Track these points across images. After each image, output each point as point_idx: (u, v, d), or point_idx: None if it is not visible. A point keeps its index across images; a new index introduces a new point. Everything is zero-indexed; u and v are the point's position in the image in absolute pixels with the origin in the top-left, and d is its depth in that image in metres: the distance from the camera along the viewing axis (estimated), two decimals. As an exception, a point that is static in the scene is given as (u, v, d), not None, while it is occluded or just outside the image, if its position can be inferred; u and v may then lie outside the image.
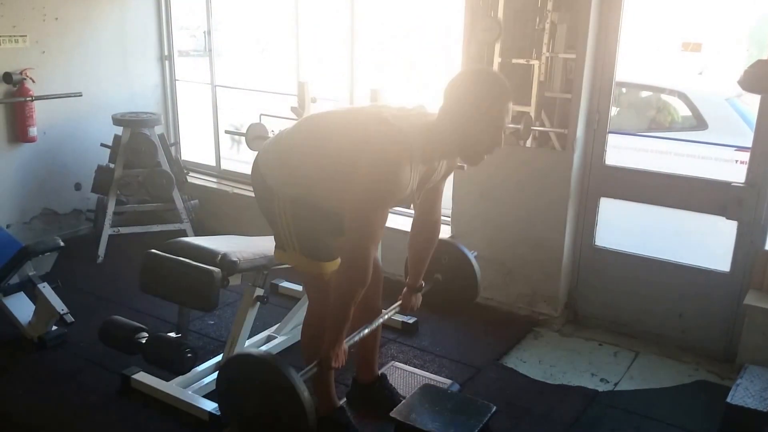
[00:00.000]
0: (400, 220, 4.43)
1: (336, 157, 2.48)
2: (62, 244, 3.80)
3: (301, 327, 3.73)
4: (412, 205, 2.77)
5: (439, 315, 3.44)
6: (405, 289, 3.02)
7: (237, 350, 3.37)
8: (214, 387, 3.27)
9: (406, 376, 3.35)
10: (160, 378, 3.30)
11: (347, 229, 2.45)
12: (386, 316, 2.94)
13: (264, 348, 3.62)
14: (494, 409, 2.80)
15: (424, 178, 2.53)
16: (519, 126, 3.94)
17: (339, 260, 2.61)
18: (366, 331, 2.78)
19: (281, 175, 2.65)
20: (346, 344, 2.57)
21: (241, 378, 2.41)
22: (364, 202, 2.37)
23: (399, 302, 3.02)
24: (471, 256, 3.18)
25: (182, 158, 5.88)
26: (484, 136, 2.34)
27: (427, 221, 2.84)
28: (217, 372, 2.46)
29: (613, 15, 3.72)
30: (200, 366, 3.40)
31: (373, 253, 2.43)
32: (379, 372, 3.15)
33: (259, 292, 3.36)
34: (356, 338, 2.71)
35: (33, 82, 4.90)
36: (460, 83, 2.39)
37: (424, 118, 2.45)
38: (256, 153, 2.82)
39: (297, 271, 2.81)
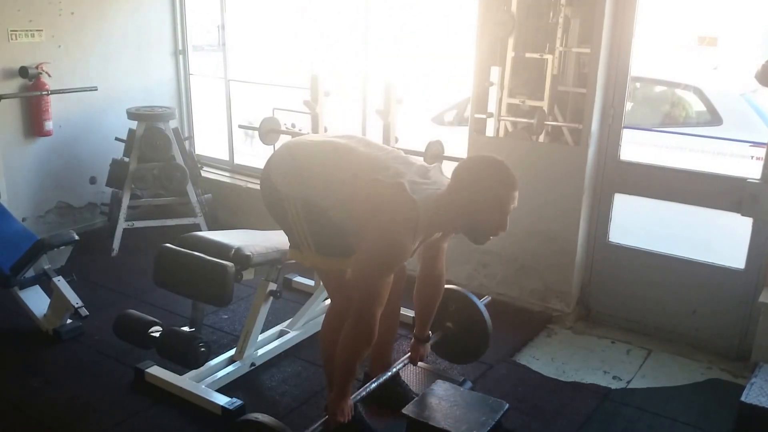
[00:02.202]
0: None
1: (349, 203, 2.54)
2: (77, 237, 3.83)
3: (313, 321, 3.78)
4: None
5: (453, 364, 3.50)
6: (413, 341, 3.08)
7: (251, 343, 3.40)
8: (227, 381, 3.32)
9: (418, 373, 3.35)
10: (173, 372, 3.31)
11: (353, 292, 2.52)
12: (395, 370, 2.99)
13: (277, 343, 3.63)
14: (507, 406, 2.80)
15: (426, 239, 2.60)
16: (532, 121, 3.93)
17: None
18: (373, 385, 2.84)
19: (294, 180, 2.65)
20: (351, 400, 2.63)
21: None
22: (371, 269, 2.44)
23: (408, 355, 3.08)
24: (480, 303, 3.21)
25: (196, 152, 5.89)
26: (490, 220, 2.44)
27: (430, 276, 2.90)
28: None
29: (627, 9, 3.69)
30: (214, 360, 3.41)
31: (379, 315, 2.48)
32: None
33: (273, 286, 3.38)
34: (363, 393, 2.77)
35: (49, 76, 4.93)
36: (470, 168, 2.50)
37: (436, 188, 2.51)
38: (267, 159, 2.79)
39: (317, 271, 2.81)
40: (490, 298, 3.42)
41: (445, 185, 2.52)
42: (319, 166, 2.64)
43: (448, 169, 2.62)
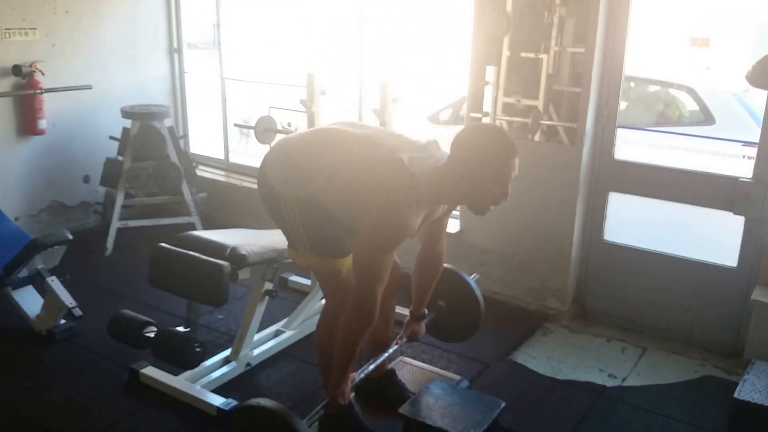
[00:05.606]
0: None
1: (346, 185, 2.49)
2: (71, 237, 3.81)
3: (309, 321, 3.78)
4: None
5: (447, 342, 3.48)
6: (408, 318, 3.06)
7: (247, 343, 3.39)
8: (222, 381, 3.32)
9: (414, 372, 3.36)
10: (168, 372, 3.30)
11: (354, 269, 2.49)
12: (392, 349, 3.01)
13: (272, 342, 3.63)
14: (503, 405, 2.81)
15: (428, 215, 2.56)
16: (527, 120, 3.94)
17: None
18: (371, 367, 2.82)
19: (290, 179, 2.62)
20: (351, 382, 2.63)
21: (251, 426, 2.46)
22: (372, 245, 2.41)
23: (403, 333, 3.06)
24: (471, 280, 3.19)
25: (191, 151, 5.88)
26: (491, 189, 2.38)
27: (431, 254, 2.89)
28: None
29: (621, 9, 3.70)
30: (209, 360, 3.40)
31: (380, 294, 2.46)
32: (388, 367, 3.16)
33: (269, 286, 3.37)
34: (362, 375, 2.74)
35: (42, 74, 4.90)
36: (468, 138, 2.43)
37: (435, 161, 2.46)
38: (263, 157, 2.78)
39: (313, 271, 2.79)
40: (478, 275, 3.38)
41: (444, 158, 2.46)
42: (310, 156, 2.61)
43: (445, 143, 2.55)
